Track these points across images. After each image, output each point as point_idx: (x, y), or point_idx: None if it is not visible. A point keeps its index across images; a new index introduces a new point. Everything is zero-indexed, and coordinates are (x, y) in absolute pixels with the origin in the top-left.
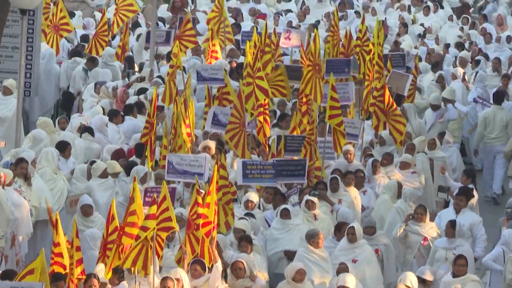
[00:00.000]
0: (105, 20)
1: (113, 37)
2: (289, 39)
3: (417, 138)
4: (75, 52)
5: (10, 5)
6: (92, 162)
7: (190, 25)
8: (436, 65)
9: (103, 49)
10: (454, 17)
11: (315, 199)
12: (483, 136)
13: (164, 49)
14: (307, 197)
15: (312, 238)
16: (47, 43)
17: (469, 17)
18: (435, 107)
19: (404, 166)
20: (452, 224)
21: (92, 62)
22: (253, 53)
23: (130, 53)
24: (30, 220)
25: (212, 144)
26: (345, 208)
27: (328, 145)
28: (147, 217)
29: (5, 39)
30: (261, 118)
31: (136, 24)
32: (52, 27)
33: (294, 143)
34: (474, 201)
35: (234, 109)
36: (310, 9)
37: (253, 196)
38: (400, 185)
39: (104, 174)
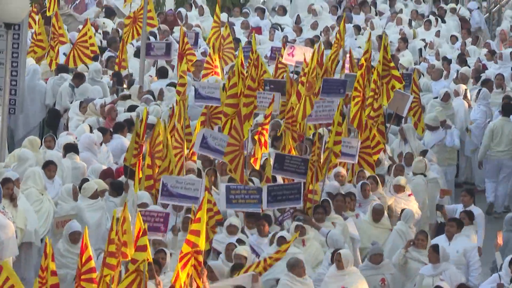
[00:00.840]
0: (86, 31)
1: (103, 51)
2: (293, 55)
3: (415, 159)
4: (62, 68)
5: None
6: (83, 181)
7: (186, 40)
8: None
9: (82, 62)
10: (458, 34)
11: (306, 224)
12: (489, 149)
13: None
14: (295, 222)
15: (293, 267)
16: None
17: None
18: (431, 128)
19: (398, 189)
20: (434, 248)
21: (78, 79)
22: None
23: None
24: (16, 242)
25: (195, 166)
26: (335, 231)
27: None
28: (138, 248)
29: None
30: (256, 137)
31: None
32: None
33: (293, 164)
34: (481, 220)
35: (234, 131)
36: (305, 23)
37: (235, 221)
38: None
39: (95, 195)
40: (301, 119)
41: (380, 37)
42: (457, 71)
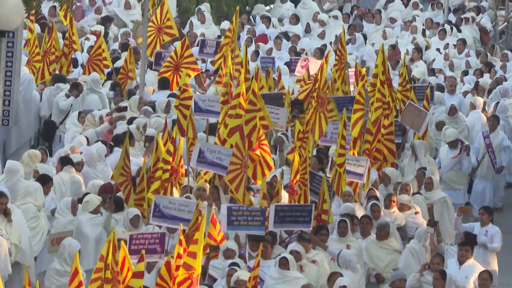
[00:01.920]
0: (99, 44)
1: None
2: (307, 68)
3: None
4: (58, 78)
5: None
6: (84, 195)
7: (189, 52)
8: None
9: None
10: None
11: (300, 249)
12: None
13: None
14: (291, 246)
15: None
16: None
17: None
18: (452, 144)
19: (401, 208)
20: (442, 275)
21: (75, 89)
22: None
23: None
24: (8, 259)
25: (207, 186)
26: (347, 250)
27: None
28: (134, 275)
29: None
30: (257, 152)
31: (126, 45)
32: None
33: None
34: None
35: (236, 149)
36: (313, 33)
37: (232, 245)
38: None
39: (96, 210)
40: (318, 138)
41: (393, 47)
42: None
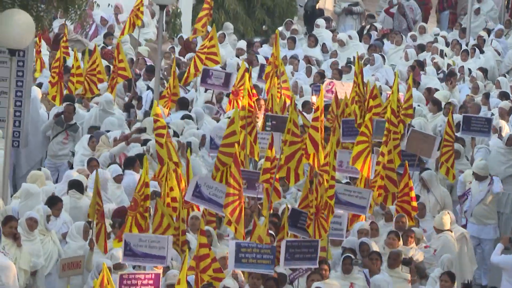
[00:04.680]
0: (94, 59)
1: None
2: (332, 91)
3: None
4: (68, 97)
5: None
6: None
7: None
8: None
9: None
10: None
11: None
12: None
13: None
14: (317, 284)
15: None
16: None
17: None
18: (480, 178)
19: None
20: None
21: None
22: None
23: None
24: (17, 285)
25: (198, 213)
26: (380, 275)
27: (336, 220)
28: None
29: None
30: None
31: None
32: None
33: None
34: None
35: (232, 179)
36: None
37: (231, 283)
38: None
39: (108, 235)
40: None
41: (412, 68)
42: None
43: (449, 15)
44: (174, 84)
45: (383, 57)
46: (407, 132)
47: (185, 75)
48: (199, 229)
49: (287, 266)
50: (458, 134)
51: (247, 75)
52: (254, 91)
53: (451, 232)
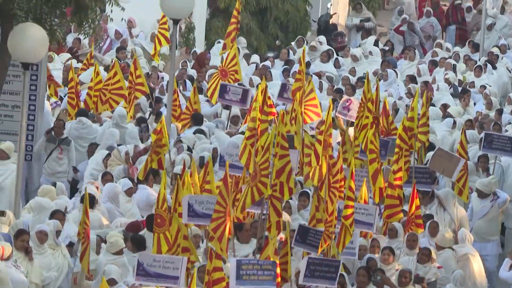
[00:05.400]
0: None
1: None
2: (349, 109)
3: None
4: (81, 112)
5: (10, 58)
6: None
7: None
8: None
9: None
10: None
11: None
12: None
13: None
14: None
15: None
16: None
17: None
18: (482, 195)
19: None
20: None
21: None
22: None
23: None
24: None
25: (199, 231)
26: None
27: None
28: None
29: (4, 97)
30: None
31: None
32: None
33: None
34: None
35: (220, 196)
36: (345, 68)
37: None
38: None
39: (120, 251)
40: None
41: (425, 83)
42: None
43: (455, 30)
44: (195, 100)
45: (396, 72)
46: (424, 149)
47: (209, 92)
48: (210, 251)
49: (306, 283)
50: (480, 152)
51: (260, 87)
52: (272, 109)
53: (452, 250)
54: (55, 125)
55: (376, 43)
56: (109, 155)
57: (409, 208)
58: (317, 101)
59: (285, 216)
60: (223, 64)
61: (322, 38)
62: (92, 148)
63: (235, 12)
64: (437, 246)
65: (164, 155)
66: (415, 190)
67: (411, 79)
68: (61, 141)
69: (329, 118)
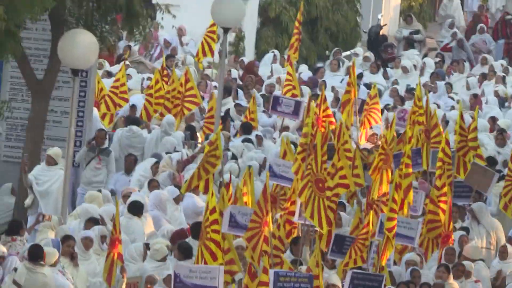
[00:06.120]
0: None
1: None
2: (404, 119)
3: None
4: (132, 120)
5: (60, 64)
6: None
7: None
8: None
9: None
10: None
11: None
12: None
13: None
14: None
15: None
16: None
17: None
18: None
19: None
20: None
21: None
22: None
23: None
24: None
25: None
26: None
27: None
28: None
29: (53, 103)
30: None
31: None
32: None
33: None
34: None
35: (257, 207)
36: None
37: None
38: None
39: (164, 258)
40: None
41: (475, 96)
42: None
43: (504, 45)
44: (253, 109)
45: (450, 85)
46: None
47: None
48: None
49: None
50: None
51: (313, 102)
52: (331, 118)
53: (483, 261)
54: (96, 134)
55: (423, 57)
56: (157, 162)
57: (448, 223)
58: (379, 106)
59: None
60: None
61: (359, 50)
62: (130, 158)
63: (296, 23)
64: (464, 257)
65: (213, 174)
66: (450, 204)
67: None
68: (100, 151)
69: (392, 132)
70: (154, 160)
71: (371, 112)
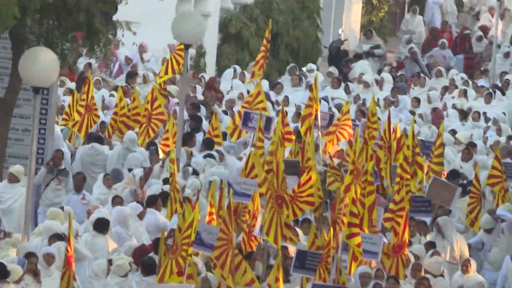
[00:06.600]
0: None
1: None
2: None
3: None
4: (95, 137)
5: (21, 82)
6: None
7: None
8: None
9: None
10: None
11: None
12: None
13: None
14: None
15: None
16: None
17: None
18: (488, 231)
19: None
20: None
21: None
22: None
23: None
24: None
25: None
26: None
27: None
28: None
29: (15, 120)
30: None
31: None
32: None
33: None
34: None
35: (223, 223)
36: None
37: None
38: None
39: (126, 274)
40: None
41: (434, 110)
42: None
43: (463, 59)
44: (215, 125)
45: (417, 99)
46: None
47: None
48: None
49: None
50: None
51: (279, 120)
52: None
53: (443, 278)
54: (54, 155)
55: (379, 72)
56: (107, 175)
57: (400, 236)
58: (350, 122)
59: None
60: (251, 101)
61: (313, 66)
62: (79, 177)
63: (264, 41)
64: (425, 271)
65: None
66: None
67: (418, 101)
68: (59, 171)
69: (357, 146)
70: (101, 175)
71: (342, 127)
